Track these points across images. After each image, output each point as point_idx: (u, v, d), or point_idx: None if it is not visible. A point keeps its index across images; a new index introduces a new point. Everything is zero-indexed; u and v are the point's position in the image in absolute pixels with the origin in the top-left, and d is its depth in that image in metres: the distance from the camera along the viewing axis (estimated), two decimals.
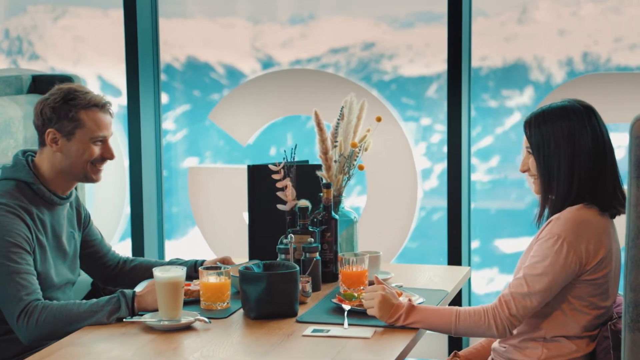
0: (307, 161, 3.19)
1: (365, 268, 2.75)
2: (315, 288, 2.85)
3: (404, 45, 4.28)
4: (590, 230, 2.42)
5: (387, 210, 4.18)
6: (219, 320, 2.57)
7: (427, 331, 2.54)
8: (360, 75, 4.33)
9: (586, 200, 2.45)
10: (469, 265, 4.04)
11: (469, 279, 3.99)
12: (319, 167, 3.07)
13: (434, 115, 4.29)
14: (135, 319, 2.53)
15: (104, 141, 2.74)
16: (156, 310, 2.56)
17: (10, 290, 2.55)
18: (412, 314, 2.47)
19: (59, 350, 2.35)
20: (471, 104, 4.00)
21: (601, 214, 2.46)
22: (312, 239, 2.87)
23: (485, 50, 4.14)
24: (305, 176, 3.08)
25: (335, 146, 3.05)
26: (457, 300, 3.06)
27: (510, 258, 4.25)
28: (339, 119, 3.07)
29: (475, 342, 2.81)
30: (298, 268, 2.63)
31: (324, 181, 3.01)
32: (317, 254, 2.86)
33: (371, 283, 2.73)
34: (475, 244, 4.20)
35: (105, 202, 4.53)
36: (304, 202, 2.92)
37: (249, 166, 3.18)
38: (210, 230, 4.43)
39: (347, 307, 2.59)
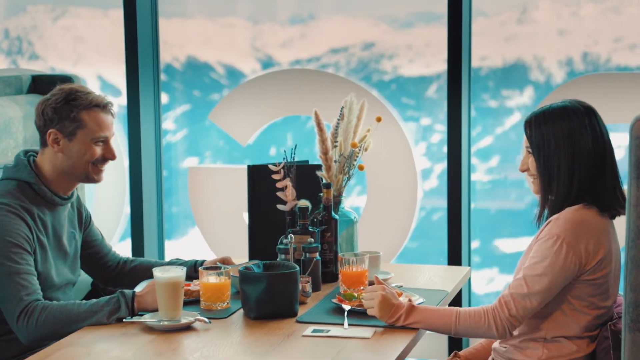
0: (307, 161, 3.19)
1: (365, 268, 2.75)
2: (315, 288, 2.85)
3: (404, 45, 4.28)
4: (590, 230, 2.42)
5: (387, 210, 4.18)
6: (219, 320, 2.57)
7: (427, 331, 2.54)
8: (360, 75, 4.33)
9: (586, 200, 2.45)
10: (469, 265, 4.04)
11: (469, 279, 3.99)
12: (319, 167, 3.07)
13: (434, 115, 4.29)
14: (135, 319, 2.53)
15: (106, 141, 2.74)
16: (156, 310, 2.56)
17: (11, 290, 2.55)
18: (412, 314, 2.47)
19: (59, 351, 2.35)
20: (471, 104, 4.00)
21: (601, 215, 2.46)
22: (312, 239, 2.87)
23: (485, 50, 4.14)
24: (305, 176, 3.07)
25: (335, 146, 3.05)
26: (457, 300, 3.06)
27: (510, 258, 4.25)
28: (339, 119, 3.07)
29: (475, 342, 2.81)
30: (298, 268, 2.63)
31: (324, 181, 3.01)
32: (317, 254, 2.86)
33: (371, 283, 2.73)
34: (475, 244, 4.20)
35: (105, 202, 4.53)
36: (304, 202, 2.92)
37: (249, 166, 3.18)
38: (210, 231, 4.43)
39: (347, 307, 2.59)
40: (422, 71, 4.26)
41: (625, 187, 2.32)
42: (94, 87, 4.62)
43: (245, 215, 3.90)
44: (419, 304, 2.57)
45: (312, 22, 4.44)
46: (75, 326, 2.52)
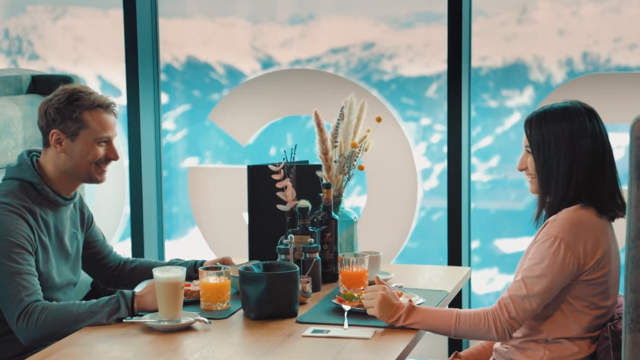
0: (307, 161, 3.19)
1: (365, 268, 2.75)
2: (315, 288, 2.85)
3: (404, 45, 4.28)
4: (587, 230, 2.42)
5: (387, 210, 4.17)
6: (219, 320, 2.57)
7: (428, 332, 2.54)
8: (360, 75, 4.33)
9: (582, 201, 2.45)
10: (469, 265, 4.04)
11: (469, 279, 3.99)
12: (319, 167, 3.07)
13: (434, 115, 4.29)
14: (135, 319, 2.53)
15: (108, 142, 2.74)
16: (156, 310, 2.56)
17: (11, 290, 2.55)
18: (412, 314, 2.47)
19: (59, 351, 2.35)
20: (471, 104, 4.00)
21: (599, 215, 2.46)
22: (312, 240, 2.87)
23: (485, 50, 4.14)
24: (305, 176, 3.07)
25: (335, 146, 3.05)
26: (457, 301, 3.06)
27: (510, 258, 4.24)
28: (339, 119, 3.07)
29: (476, 343, 2.81)
30: (298, 268, 2.63)
31: (324, 181, 3.00)
32: (317, 254, 2.86)
33: (371, 283, 2.73)
34: (475, 244, 4.19)
35: (105, 202, 4.53)
36: (304, 203, 2.92)
37: (249, 166, 3.18)
38: (210, 231, 4.43)
39: (347, 307, 2.59)
40: (422, 71, 4.26)
41: (624, 188, 2.32)
42: (94, 87, 4.61)
43: (245, 216, 3.90)
44: (419, 304, 2.57)
45: (312, 22, 4.44)
46: (75, 326, 2.52)
